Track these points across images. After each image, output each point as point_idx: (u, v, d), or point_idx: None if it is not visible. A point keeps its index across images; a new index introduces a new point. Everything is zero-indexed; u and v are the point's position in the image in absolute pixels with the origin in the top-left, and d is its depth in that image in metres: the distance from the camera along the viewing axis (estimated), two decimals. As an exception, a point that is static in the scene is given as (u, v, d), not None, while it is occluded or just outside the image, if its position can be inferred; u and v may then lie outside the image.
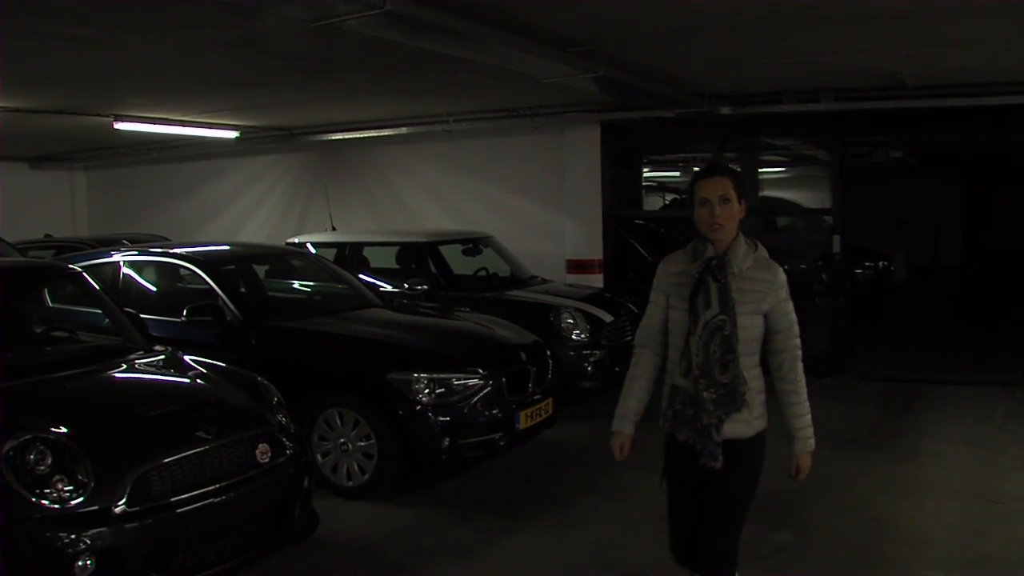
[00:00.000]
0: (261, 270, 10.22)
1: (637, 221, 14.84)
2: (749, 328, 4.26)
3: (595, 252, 13.44)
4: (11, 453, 4.97)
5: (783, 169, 21.09)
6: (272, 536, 5.87)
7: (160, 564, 5.18)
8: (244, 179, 17.77)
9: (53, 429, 5.19)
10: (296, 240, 12.81)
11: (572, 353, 10.07)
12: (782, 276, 4.33)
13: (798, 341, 4.39)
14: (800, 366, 4.38)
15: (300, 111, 13.20)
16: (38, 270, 8.24)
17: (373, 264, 12.44)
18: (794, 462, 4.39)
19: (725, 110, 11.53)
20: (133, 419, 5.66)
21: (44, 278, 8.03)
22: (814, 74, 10.19)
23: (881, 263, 18.65)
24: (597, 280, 13.21)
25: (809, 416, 4.36)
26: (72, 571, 4.85)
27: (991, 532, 6.63)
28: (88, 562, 4.89)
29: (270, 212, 17.37)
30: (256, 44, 8.09)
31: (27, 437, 5.05)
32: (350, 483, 7.52)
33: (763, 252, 4.36)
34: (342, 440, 7.52)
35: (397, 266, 12.30)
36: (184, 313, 8.14)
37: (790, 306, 4.36)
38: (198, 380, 6.47)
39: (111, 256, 9.73)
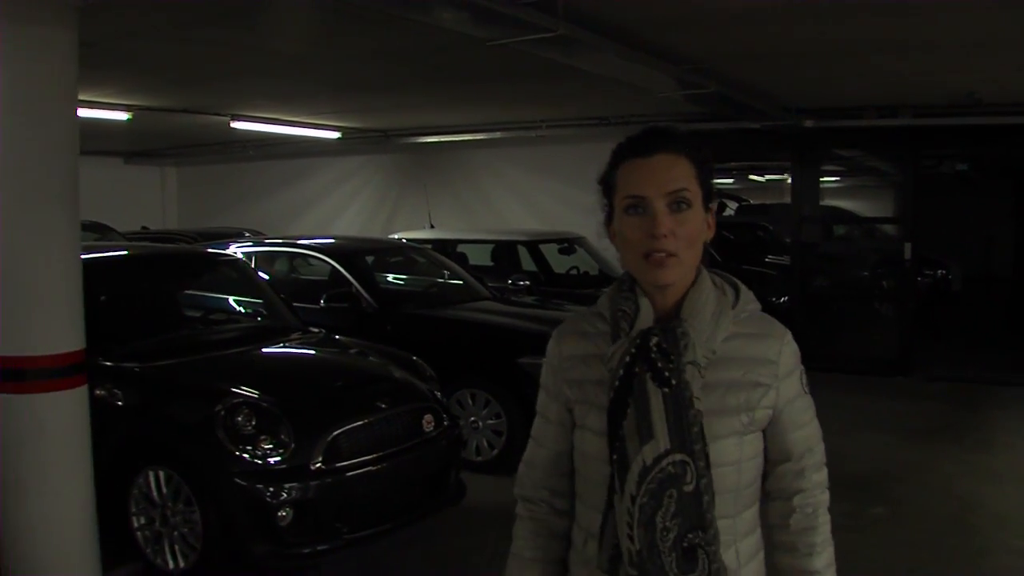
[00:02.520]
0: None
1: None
2: (737, 466, 2.18)
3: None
4: (222, 413, 5.59)
5: (837, 179, 21.59)
6: (431, 499, 6.44)
7: (345, 518, 5.76)
8: (334, 178, 18.26)
9: (256, 394, 5.82)
10: (396, 236, 13.25)
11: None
12: (792, 347, 2.27)
13: (824, 475, 2.31)
14: (827, 524, 2.29)
15: (401, 114, 13.62)
16: (199, 258, 8.91)
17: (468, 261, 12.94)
18: None
19: (808, 123, 12.13)
20: (320, 388, 6.35)
21: (203, 265, 8.59)
22: (895, 91, 10.76)
23: (939, 271, 19.06)
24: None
25: None
26: (274, 520, 5.45)
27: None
28: (287, 512, 5.49)
29: (360, 210, 17.86)
30: (399, 54, 8.62)
31: (237, 400, 5.69)
32: (479, 458, 8.16)
33: (749, 300, 2.29)
34: (472, 418, 8.17)
35: (491, 263, 12.84)
36: (322, 300, 8.88)
37: (809, 407, 2.30)
38: (365, 356, 7.17)
39: (230, 247, 10.32)
